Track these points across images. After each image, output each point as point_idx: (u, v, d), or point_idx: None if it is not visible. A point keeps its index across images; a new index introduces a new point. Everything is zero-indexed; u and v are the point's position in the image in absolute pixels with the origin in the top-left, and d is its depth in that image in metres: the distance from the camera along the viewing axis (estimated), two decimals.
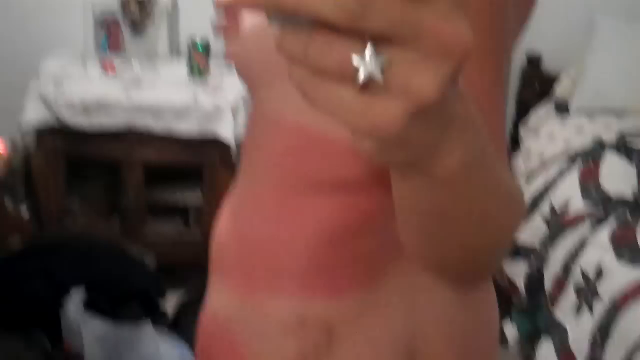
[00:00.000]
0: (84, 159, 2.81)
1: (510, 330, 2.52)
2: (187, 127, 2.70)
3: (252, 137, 0.88)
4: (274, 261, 0.84)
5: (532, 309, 2.48)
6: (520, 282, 2.54)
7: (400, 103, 0.44)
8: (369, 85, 0.43)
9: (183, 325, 2.40)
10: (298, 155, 0.80)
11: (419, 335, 0.85)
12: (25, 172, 2.89)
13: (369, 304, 0.83)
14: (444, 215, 0.61)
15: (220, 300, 0.90)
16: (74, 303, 2.23)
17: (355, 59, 0.43)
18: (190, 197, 2.95)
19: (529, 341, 2.48)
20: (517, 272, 2.58)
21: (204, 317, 0.93)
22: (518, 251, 2.58)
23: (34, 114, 2.69)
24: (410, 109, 0.44)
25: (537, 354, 2.33)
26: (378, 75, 0.43)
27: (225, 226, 0.92)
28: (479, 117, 0.54)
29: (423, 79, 0.43)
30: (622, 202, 2.40)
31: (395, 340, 0.84)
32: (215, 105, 2.70)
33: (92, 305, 2.24)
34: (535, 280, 2.47)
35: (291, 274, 0.83)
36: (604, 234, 2.27)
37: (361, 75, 0.43)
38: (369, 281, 0.83)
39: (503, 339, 2.49)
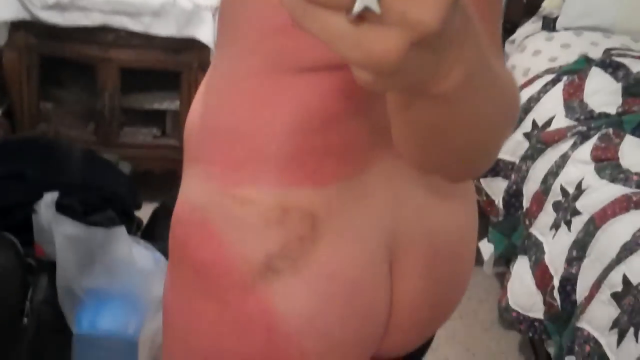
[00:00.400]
0: (58, 57, 2.73)
1: (487, 249, 2.52)
2: (165, 28, 2.63)
3: (231, 17, 0.81)
4: (254, 147, 0.80)
5: (510, 228, 2.47)
6: (499, 200, 2.53)
7: (398, 34, 0.41)
8: (365, 15, 0.40)
9: (158, 233, 2.38)
10: (280, 35, 0.75)
11: (401, 227, 0.83)
12: None
13: (353, 193, 0.80)
14: (443, 128, 0.59)
15: (197, 189, 0.85)
16: (46, 206, 2.19)
17: None
18: (168, 102, 2.88)
19: (505, 260, 2.48)
20: (496, 190, 2.57)
21: (178, 207, 0.87)
22: (498, 169, 2.56)
23: (6, 10, 2.60)
24: (409, 40, 0.41)
25: (511, 271, 2.33)
26: (375, 6, 0.40)
27: (200, 111, 0.87)
28: (479, 25, 0.51)
29: (422, 9, 0.40)
30: (605, 119, 2.38)
31: (379, 232, 0.82)
32: (195, 5, 2.62)
33: (65, 209, 2.20)
34: (514, 197, 2.46)
35: (272, 161, 0.79)
36: (586, 150, 2.25)
37: (357, 7, 0.40)
38: (353, 169, 0.80)
39: (479, 258, 2.49)
